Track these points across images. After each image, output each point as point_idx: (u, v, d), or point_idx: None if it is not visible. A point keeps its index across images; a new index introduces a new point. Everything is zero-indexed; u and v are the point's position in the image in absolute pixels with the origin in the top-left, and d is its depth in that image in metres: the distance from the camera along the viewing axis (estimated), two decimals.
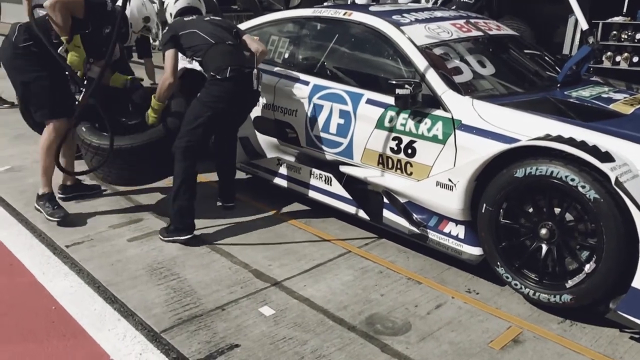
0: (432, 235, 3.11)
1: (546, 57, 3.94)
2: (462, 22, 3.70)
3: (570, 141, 2.49)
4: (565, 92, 3.23)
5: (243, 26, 4.37)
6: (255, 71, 3.42)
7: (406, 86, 2.99)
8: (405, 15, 3.61)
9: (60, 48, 3.40)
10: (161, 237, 3.38)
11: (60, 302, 2.77)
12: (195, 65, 3.81)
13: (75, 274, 3.04)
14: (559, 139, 2.53)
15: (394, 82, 3.04)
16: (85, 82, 3.60)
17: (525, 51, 3.86)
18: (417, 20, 3.56)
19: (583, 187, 2.42)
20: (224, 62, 3.36)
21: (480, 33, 3.65)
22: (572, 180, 2.44)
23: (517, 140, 2.71)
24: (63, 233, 3.49)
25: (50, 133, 3.57)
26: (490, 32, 3.73)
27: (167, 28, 3.58)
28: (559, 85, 3.35)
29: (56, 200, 3.72)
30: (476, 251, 2.94)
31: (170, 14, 3.79)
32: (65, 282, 2.96)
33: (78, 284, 2.95)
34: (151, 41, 7.57)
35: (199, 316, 2.67)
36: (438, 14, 3.80)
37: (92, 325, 2.60)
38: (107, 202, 3.98)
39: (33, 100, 3.57)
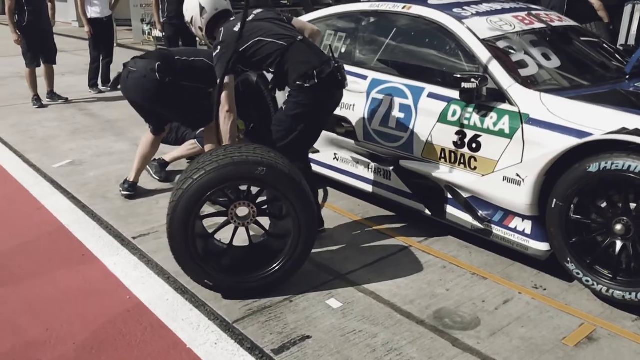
0: (497, 230, 3.08)
1: (605, 46, 3.85)
2: (523, 14, 3.64)
3: None
4: (636, 84, 3.15)
5: None
6: (339, 64, 3.12)
7: (472, 80, 2.96)
8: (465, 8, 3.57)
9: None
10: None
11: (133, 292, 2.86)
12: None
13: (145, 265, 3.13)
14: (638, 132, 2.47)
15: (459, 75, 3.01)
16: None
17: (586, 39, 3.77)
18: (478, 13, 3.52)
19: None
20: (308, 64, 3.03)
21: (542, 25, 3.58)
22: None
23: (588, 134, 2.65)
24: (129, 225, 3.60)
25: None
26: (553, 24, 3.65)
27: (218, 48, 3.11)
28: (627, 77, 3.27)
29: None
30: (543, 247, 2.91)
31: (200, 29, 3.42)
32: (136, 273, 3.05)
33: (148, 274, 3.04)
34: None
35: (269, 307, 2.72)
36: (498, 6, 3.74)
37: (166, 315, 2.67)
38: (170, 195, 4.07)
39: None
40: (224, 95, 3.06)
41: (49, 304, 2.76)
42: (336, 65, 3.10)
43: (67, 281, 2.96)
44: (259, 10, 3.32)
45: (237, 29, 3.08)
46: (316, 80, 2.99)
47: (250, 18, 3.18)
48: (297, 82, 3.03)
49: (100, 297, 2.82)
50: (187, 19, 3.47)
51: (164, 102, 3.76)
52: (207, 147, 3.91)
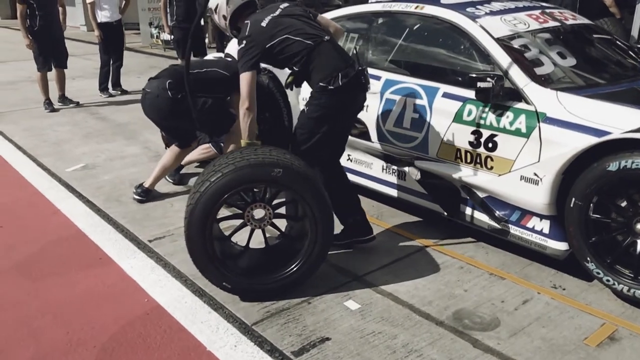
0: (514, 230, 3.06)
1: (619, 43, 3.82)
2: (537, 12, 3.62)
3: None
4: None
5: None
6: (362, 67, 3.06)
7: (488, 79, 2.95)
8: (479, 7, 3.55)
9: None
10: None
11: (151, 295, 2.87)
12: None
13: (162, 267, 3.14)
14: None
15: (474, 75, 3.00)
16: None
17: (601, 37, 3.75)
18: (492, 12, 3.50)
19: None
20: (333, 67, 2.95)
21: (557, 23, 3.56)
22: None
23: (607, 133, 2.64)
24: (144, 228, 3.61)
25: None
26: (567, 22, 3.63)
27: (244, 42, 3.00)
28: None
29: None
30: (562, 246, 2.89)
31: (224, 17, 3.31)
32: (153, 276, 3.06)
33: (165, 277, 3.04)
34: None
35: (287, 309, 2.72)
36: (511, 5, 3.72)
37: (185, 317, 2.68)
38: (184, 198, 4.09)
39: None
40: (244, 92, 2.97)
41: (68, 307, 2.77)
42: (360, 68, 3.05)
43: (85, 285, 2.97)
44: (285, 5, 3.18)
45: (264, 23, 3.02)
46: (340, 83, 2.92)
47: (277, 13, 3.10)
48: (321, 84, 2.95)
49: (119, 300, 2.83)
50: (212, 5, 3.36)
51: (181, 117, 3.71)
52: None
